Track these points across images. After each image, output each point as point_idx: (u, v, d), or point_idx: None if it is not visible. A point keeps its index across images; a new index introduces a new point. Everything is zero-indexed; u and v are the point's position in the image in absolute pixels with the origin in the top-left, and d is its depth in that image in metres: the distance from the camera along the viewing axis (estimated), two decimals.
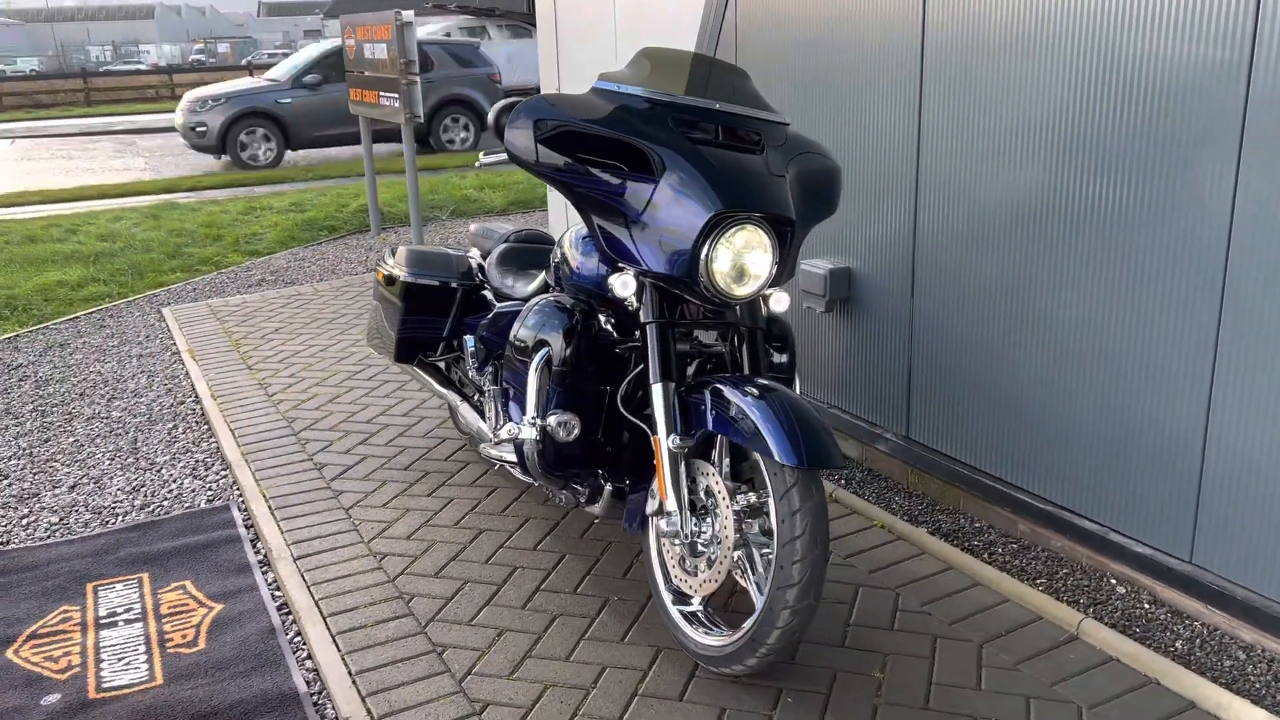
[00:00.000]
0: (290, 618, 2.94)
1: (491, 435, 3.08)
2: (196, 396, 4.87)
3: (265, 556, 3.30)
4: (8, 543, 3.51)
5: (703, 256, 2.44)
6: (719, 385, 2.46)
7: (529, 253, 3.53)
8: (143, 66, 42.23)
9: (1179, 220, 2.59)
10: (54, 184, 12.64)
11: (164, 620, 2.95)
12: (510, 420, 2.87)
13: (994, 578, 2.90)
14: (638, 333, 2.72)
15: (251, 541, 3.42)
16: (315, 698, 2.57)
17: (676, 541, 2.51)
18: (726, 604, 2.82)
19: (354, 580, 3.07)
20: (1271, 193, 2.39)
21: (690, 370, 2.93)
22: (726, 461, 2.59)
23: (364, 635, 2.78)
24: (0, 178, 13.67)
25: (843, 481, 3.69)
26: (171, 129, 15.48)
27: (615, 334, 2.77)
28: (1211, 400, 2.59)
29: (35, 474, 4.07)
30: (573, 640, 2.72)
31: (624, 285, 2.64)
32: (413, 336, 3.65)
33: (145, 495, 3.84)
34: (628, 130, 2.50)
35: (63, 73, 35.74)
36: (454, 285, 3.57)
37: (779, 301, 2.82)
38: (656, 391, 2.53)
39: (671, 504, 2.49)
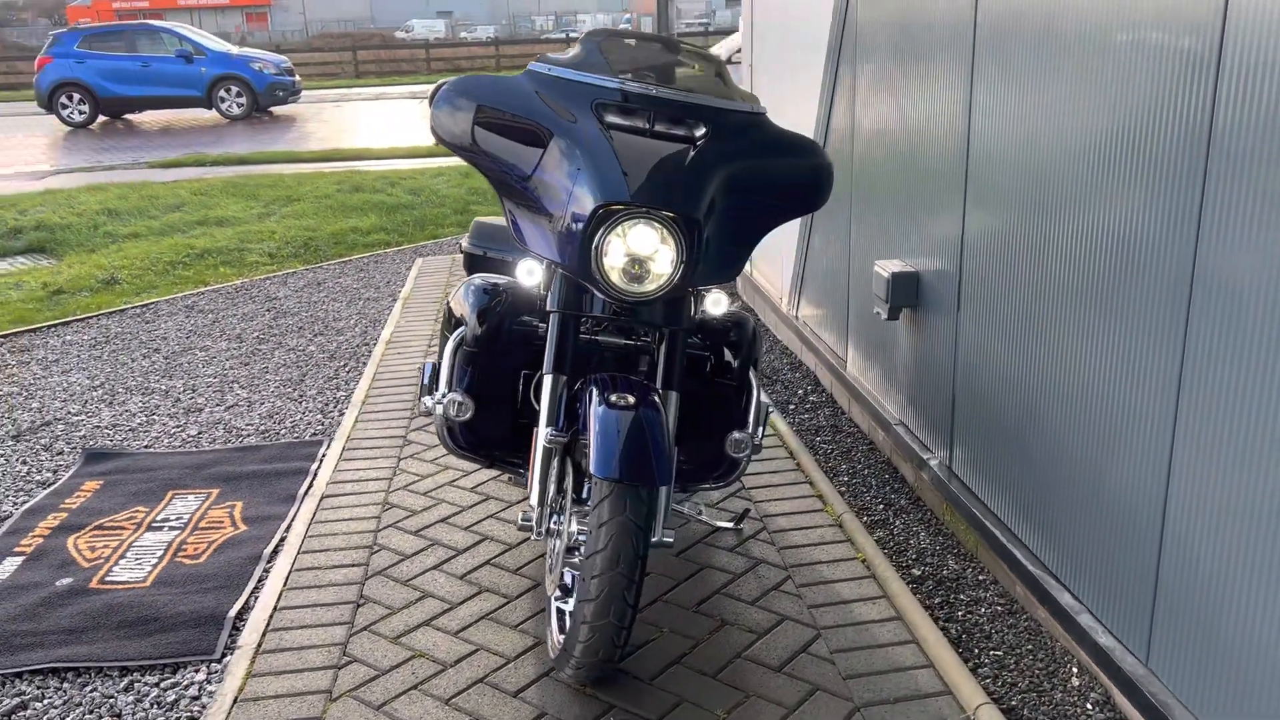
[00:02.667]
0: (282, 548, 3.24)
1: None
2: (378, 341, 5.39)
3: (307, 492, 3.64)
4: (150, 446, 4.15)
5: (593, 249, 2.36)
6: (595, 385, 2.37)
7: None
8: (467, 38, 45.67)
9: None
10: (421, 141, 14.23)
11: (195, 532, 3.38)
12: (428, 394, 2.93)
13: (931, 639, 2.54)
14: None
15: (314, 475, 3.78)
16: (235, 623, 2.84)
17: (530, 536, 2.46)
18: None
19: (347, 525, 3.31)
20: None
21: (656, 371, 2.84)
22: None
23: (313, 576, 3.00)
24: (370, 133, 15.60)
25: (879, 505, 3.36)
26: None
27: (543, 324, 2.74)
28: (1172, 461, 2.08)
29: (214, 391, 4.74)
30: (469, 622, 2.77)
31: (529, 273, 2.61)
32: None
33: (274, 421, 4.35)
34: (535, 112, 2.46)
35: (446, 41, 39.56)
36: (510, 259, 3.67)
37: (716, 303, 2.65)
38: (545, 383, 2.49)
39: (534, 497, 2.45)
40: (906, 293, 3.35)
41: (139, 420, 4.42)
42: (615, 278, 2.37)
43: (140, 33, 18.26)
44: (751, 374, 2.76)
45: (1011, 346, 2.76)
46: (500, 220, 3.81)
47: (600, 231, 2.33)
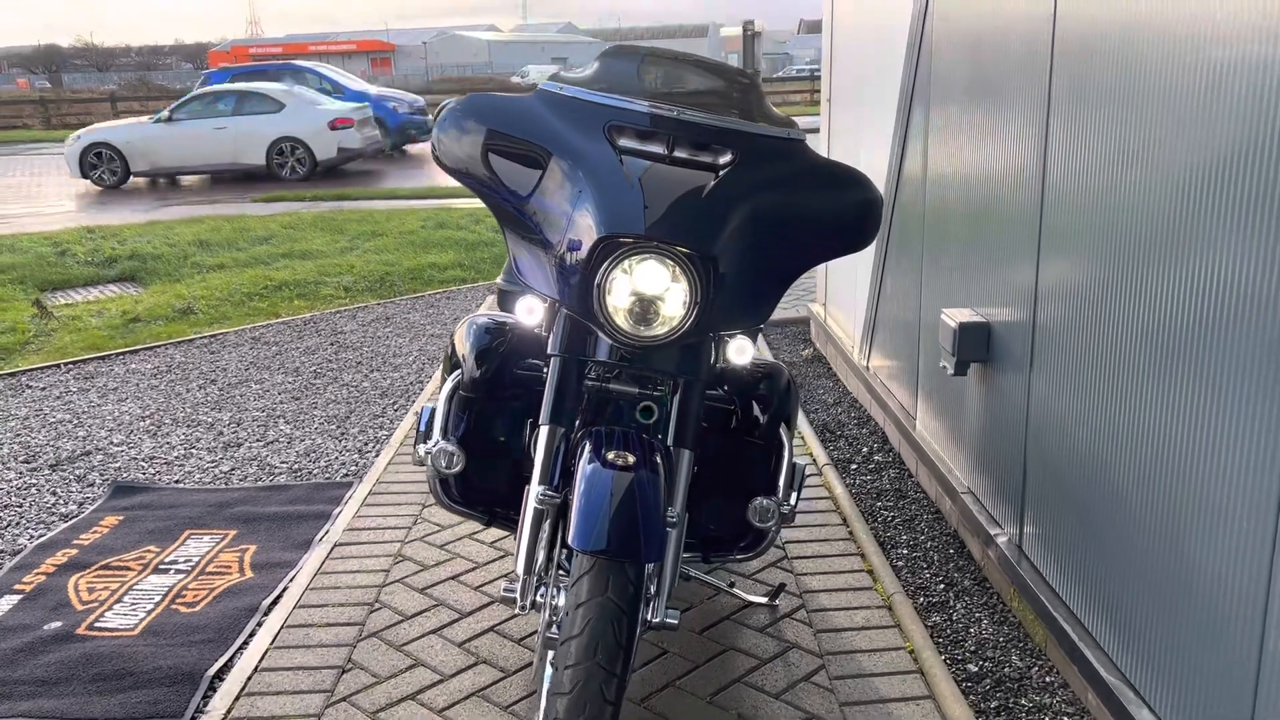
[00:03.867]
0: (280, 600, 3.02)
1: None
2: (432, 378, 5.21)
3: (322, 539, 3.43)
4: (180, 480, 4.01)
5: (595, 287, 2.08)
6: (589, 440, 2.09)
7: None
8: None
9: None
10: None
11: (200, 577, 3.19)
12: (425, 442, 2.67)
13: None
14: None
15: (333, 521, 3.57)
16: (214, 682, 2.61)
17: (515, 610, 2.17)
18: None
19: (353, 578, 3.07)
20: None
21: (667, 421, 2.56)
22: None
23: (303, 634, 2.77)
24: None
25: (940, 585, 2.97)
26: None
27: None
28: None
29: (258, 425, 4.61)
30: (458, 698, 2.49)
31: (529, 311, 2.35)
32: None
33: (310, 460, 4.17)
34: (545, 136, 2.21)
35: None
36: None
37: (740, 351, 2.35)
38: (541, 434, 2.21)
39: (519, 565, 2.16)
40: (975, 345, 2.97)
41: (177, 453, 4.30)
42: (620, 319, 2.09)
43: (285, 72, 18.82)
44: (783, 432, 2.44)
45: (1089, 410, 2.38)
46: None
47: (604, 266, 2.06)
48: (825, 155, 2.28)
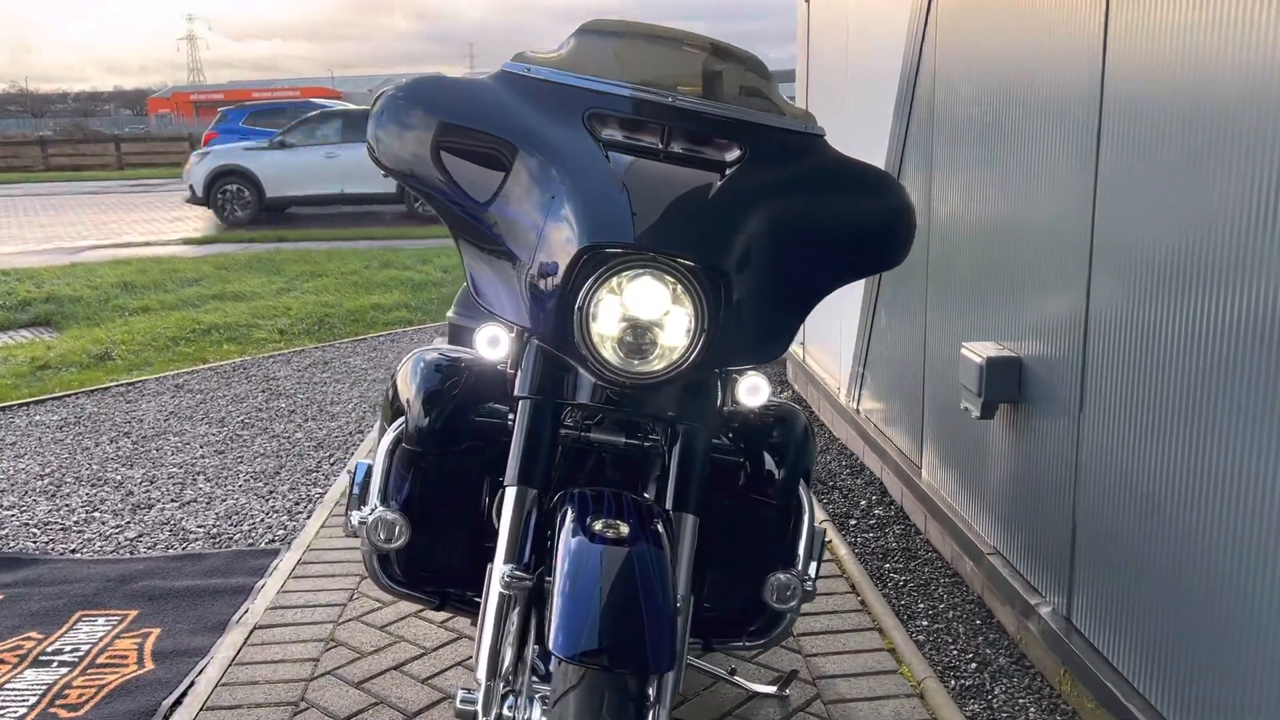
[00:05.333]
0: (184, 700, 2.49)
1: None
2: (374, 428, 4.70)
3: (241, 619, 2.90)
4: (77, 550, 3.45)
5: (576, 310, 1.63)
6: (571, 506, 1.64)
7: None
8: None
9: None
10: None
11: (88, 672, 2.65)
12: (359, 507, 2.19)
13: None
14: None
15: (254, 597, 3.05)
16: None
17: None
18: None
19: (274, 669, 2.56)
20: None
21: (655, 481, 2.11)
22: None
23: None
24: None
25: (972, 664, 2.53)
26: None
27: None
28: None
29: (174, 484, 4.06)
30: None
31: (491, 343, 1.90)
32: None
33: (231, 523, 3.64)
34: (509, 127, 1.77)
35: None
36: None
37: (753, 390, 1.92)
38: (507, 497, 1.75)
39: (480, 669, 1.68)
40: (1005, 384, 2.57)
41: (76, 517, 3.74)
42: (608, 351, 1.64)
43: (303, 110, 18.12)
44: (802, 490, 2.00)
45: (1161, 458, 1.97)
46: None
47: (587, 285, 1.61)
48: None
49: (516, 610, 1.72)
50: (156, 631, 2.86)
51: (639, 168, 1.69)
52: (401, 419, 1.99)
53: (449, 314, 3.02)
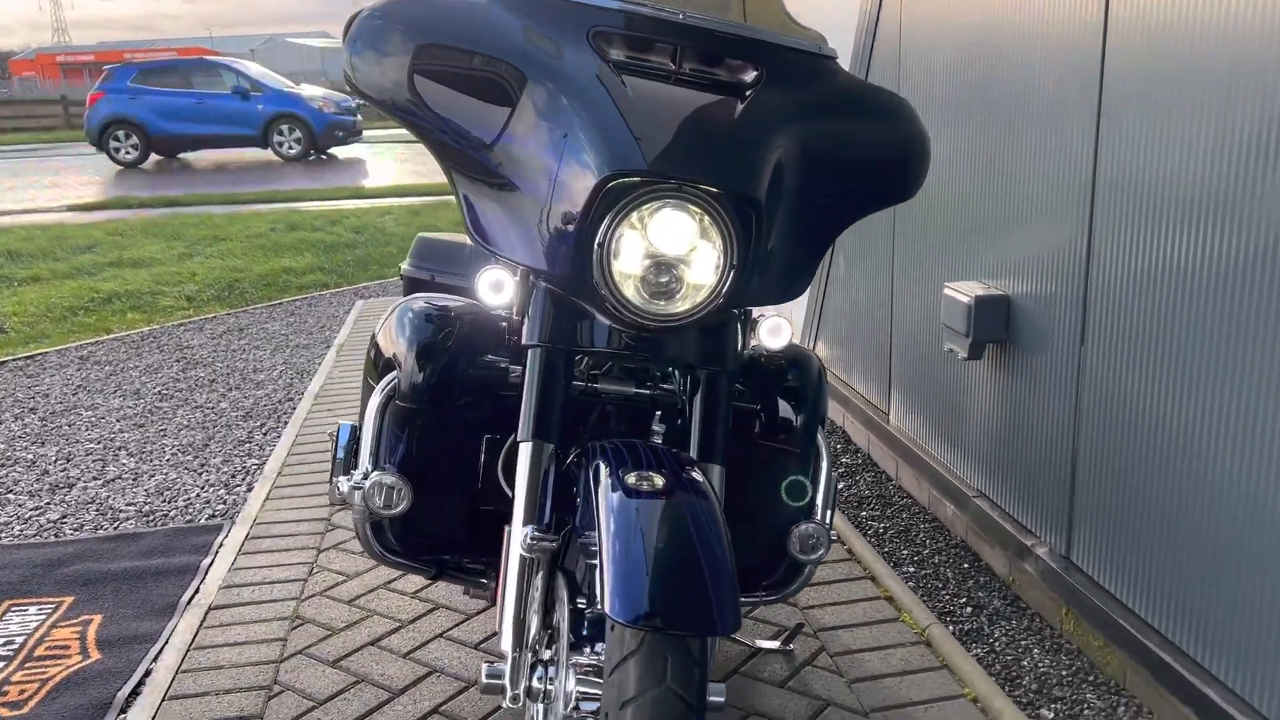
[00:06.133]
0: (141, 689, 2.29)
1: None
2: (305, 394, 4.46)
3: (192, 600, 2.70)
4: None
5: (596, 247, 1.50)
6: (602, 460, 1.50)
7: None
8: None
9: None
10: (373, 183, 13.34)
11: (26, 666, 2.42)
12: (346, 472, 2.03)
13: None
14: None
15: (204, 576, 2.84)
16: None
17: (503, 700, 1.56)
18: None
19: (239, 652, 2.37)
20: None
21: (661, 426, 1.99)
22: None
23: None
24: (334, 177, 14.71)
25: (967, 609, 2.50)
26: None
27: (516, 365, 1.87)
28: None
29: (95, 461, 3.78)
30: None
31: (495, 286, 1.75)
32: None
33: (164, 500, 3.40)
34: (504, 47, 1.61)
35: None
36: (462, 285, 2.79)
37: (775, 331, 1.81)
38: (522, 454, 1.61)
39: (505, 640, 1.55)
40: (994, 324, 2.52)
41: None
42: (630, 292, 1.51)
43: (197, 68, 17.15)
44: (820, 436, 1.91)
45: (1166, 392, 1.94)
46: (451, 236, 2.95)
47: (609, 220, 1.48)
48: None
49: (540, 575, 1.59)
50: (98, 618, 2.64)
51: (654, 91, 1.56)
52: (392, 375, 1.83)
53: (403, 267, 2.84)
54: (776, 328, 1.79)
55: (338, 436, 1.94)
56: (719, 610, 1.28)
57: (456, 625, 2.44)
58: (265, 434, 4.02)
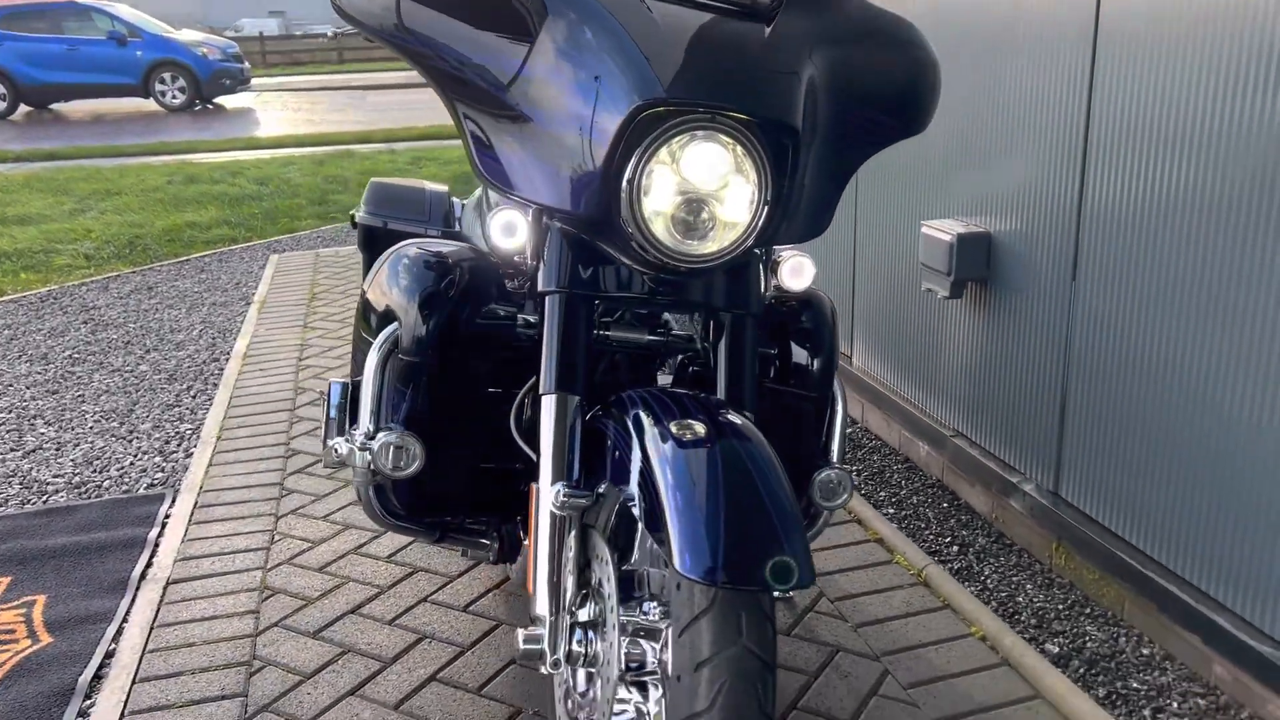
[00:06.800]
0: (108, 674, 2.13)
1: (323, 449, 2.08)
2: (231, 354, 4.24)
3: (146, 574, 2.53)
4: None
5: (625, 183, 1.40)
6: (641, 410, 1.41)
7: None
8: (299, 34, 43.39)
9: None
10: (266, 132, 12.78)
11: None
12: (341, 433, 1.90)
13: None
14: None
15: (155, 548, 2.66)
16: None
17: (543, 666, 1.48)
18: None
19: (209, 627, 2.23)
20: None
21: (666, 376, 1.92)
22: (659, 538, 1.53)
23: None
24: (224, 128, 14.05)
25: (953, 548, 2.50)
26: (403, 85, 15.59)
27: (524, 314, 1.76)
28: None
29: (9, 431, 3.52)
30: None
31: (507, 229, 1.64)
32: None
33: (95, 470, 3.18)
34: None
35: (280, 36, 36.84)
36: (423, 233, 2.64)
37: (797, 272, 1.74)
38: (545, 408, 1.51)
39: (540, 604, 1.46)
40: (975, 261, 2.50)
41: None
42: (660, 230, 1.42)
43: (68, 12, 15.93)
44: (836, 381, 1.85)
45: (1158, 325, 1.94)
46: (406, 181, 2.80)
47: (638, 154, 1.38)
48: None
49: (573, 534, 1.51)
50: (42, 599, 2.45)
51: (680, 16, 1.46)
52: (392, 327, 1.70)
53: (358, 215, 2.68)
54: (798, 268, 1.72)
55: (329, 395, 1.80)
56: (795, 561, 1.22)
57: (439, 589, 2.34)
58: (194, 397, 3.81)
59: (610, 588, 1.43)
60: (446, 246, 1.79)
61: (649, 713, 1.46)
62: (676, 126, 1.38)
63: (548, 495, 1.46)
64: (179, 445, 3.36)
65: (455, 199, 2.75)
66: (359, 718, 1.92)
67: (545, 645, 1.44)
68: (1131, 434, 2.09)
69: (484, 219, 1.90)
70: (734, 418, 1.40)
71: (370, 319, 1.78)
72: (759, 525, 1.23)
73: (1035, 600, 2.26)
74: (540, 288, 1.56)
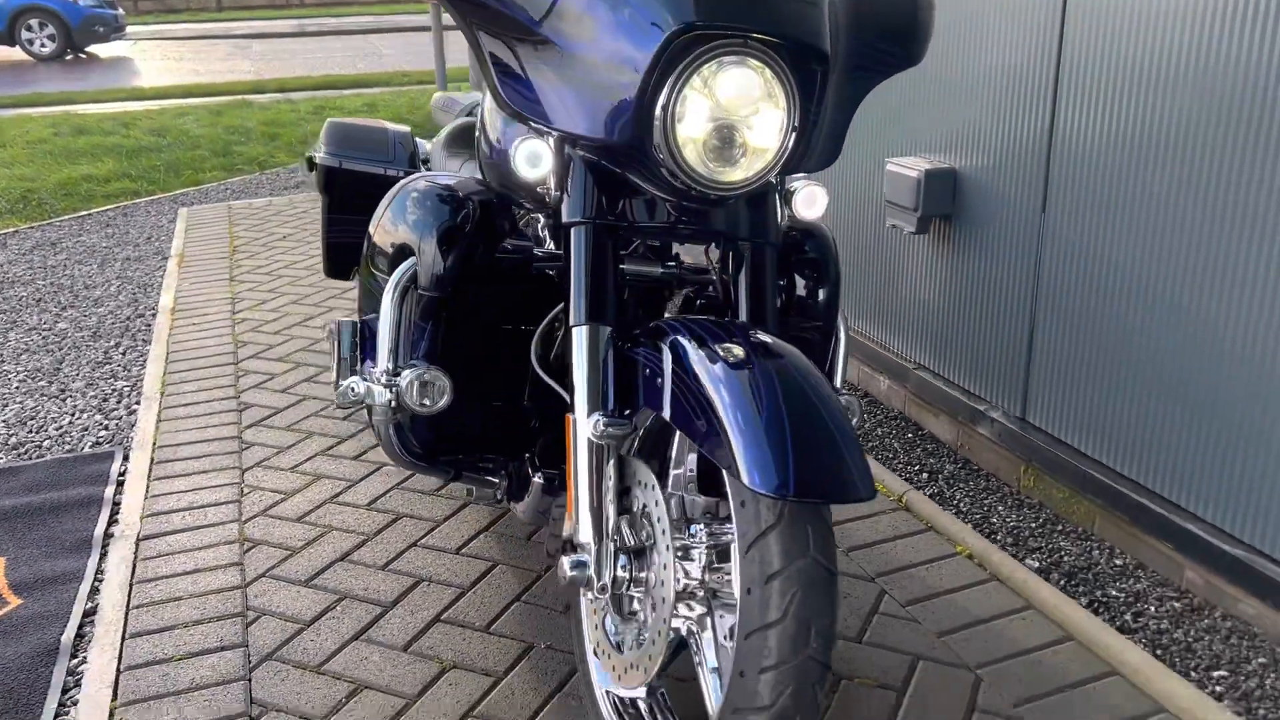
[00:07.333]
0: (92, 632, 2.06)
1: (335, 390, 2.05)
2: (157, 310, 4.07)
3: (114, 532, 2.44)
4: None
5: (659, 110, 1.39)
6: (680, 336, 1.42)
7: None
8: None
9: None
10: (150, 82, 12.17)
11: None
12: (354, 372, 1.87)
13: (1141, 665, 1.79)
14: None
15: (115, 507, 2.56)
16: None
17: (589, 594, 1.49)
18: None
19: (194, 581, 2.17)
20: None
21: (673, 307, 1.93)
22: (692, 462, 1.55)
23: (160, 676, 1.88)
24: (103, 78, 13.32)
25: (923, 475, 2.59)
26: (289, 34, 14.95)
27: (545, 244, 1.75)
28: None
29: None
30: (462, 708, 1.76)
31: (532, 159, 1.61)
32: (343, 242, 2.69)
33: (30, 430, 3.04)
34: None
35: None
36: (389, 173, 2.58)
37: (810, 201, 1.76)
38: (578, 339, 1.51)
39: (585, 530, 1.47)
40: (942, 197, 2.57)
41: None
42: (692, 156, 1.43)
43: None
44: (840, 313, 1.89)
45: (1126, 252, 2.04)
46: (364, 121, 2.73)
47: (672, 80, 1.38)
48: None
49: (611, 463, 1.51)
50: (1, 561, 2.35)
51: None
52: (408, 263, 1.66)
53: (317, 156, 2.60)
54: (811, 197, 1.74)
55: (339, 335, 1.76)
56: (858, 473, 1.25)
57: (427, 534, 2.32)
58: (124, 354, 3.65)
59: (660, 510, 1.45)
60: (453, 180, 1.76)
61: (694, 632, 1.49)
62: (711, 51, 1.38)
63: (585, 426, 1.47)
64: (118, 402, 3.23)
65: (419, 139, 2.69)
66: (369, 661, 1.90)
67: (592, 571, 1.46)
68: (1100, 357, 2.19)
69: (482, 157, 1.86)
70: (772, 340, 1.42)
71: (382, 257, 1.74)
72: (821, 439, 1.25)
73: (1009, 521, 2.36)
74: (565, 219, 1.55)
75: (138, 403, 3.19)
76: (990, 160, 2.43)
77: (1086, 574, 2.14)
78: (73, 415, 3.15)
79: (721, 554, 1.47)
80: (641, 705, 1.62)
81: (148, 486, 2.59)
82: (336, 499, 2.49)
